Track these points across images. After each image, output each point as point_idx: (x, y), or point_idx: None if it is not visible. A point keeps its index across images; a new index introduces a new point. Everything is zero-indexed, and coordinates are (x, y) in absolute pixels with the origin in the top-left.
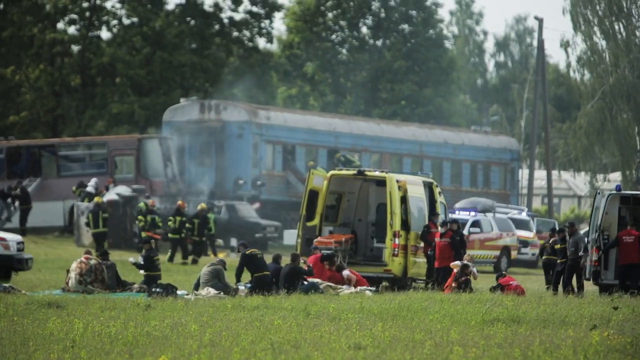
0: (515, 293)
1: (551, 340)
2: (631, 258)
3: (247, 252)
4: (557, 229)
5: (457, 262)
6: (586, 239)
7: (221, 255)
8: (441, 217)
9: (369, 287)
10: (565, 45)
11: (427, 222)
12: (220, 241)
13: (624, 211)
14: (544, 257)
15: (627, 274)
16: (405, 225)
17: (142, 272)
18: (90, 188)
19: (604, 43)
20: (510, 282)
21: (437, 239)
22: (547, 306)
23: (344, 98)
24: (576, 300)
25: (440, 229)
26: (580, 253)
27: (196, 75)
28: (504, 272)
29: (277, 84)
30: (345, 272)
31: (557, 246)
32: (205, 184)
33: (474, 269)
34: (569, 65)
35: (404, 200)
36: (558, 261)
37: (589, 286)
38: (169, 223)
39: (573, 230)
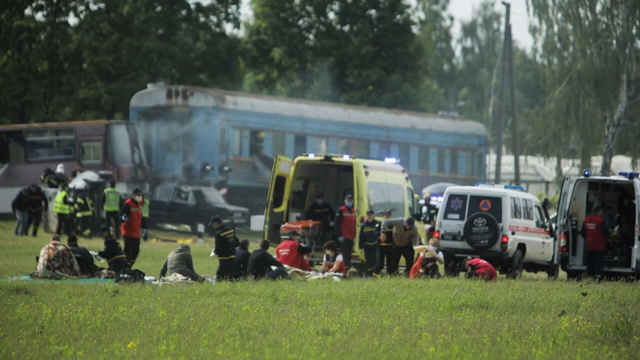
0: (486, 272)
1: (520, 326)
2: (595, 245)
3: (222, 235)
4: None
5: (421, 246)
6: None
7: (188, 241)
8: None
9: (337, 273)
10: (532, 31)
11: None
12: (187, 227)
13: (592, 196)
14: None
15: (592, 261)
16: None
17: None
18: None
19: (570, 28)
20: (479, 262)
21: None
22: (516, 292)
23: (311, 84)
24: (545, 286)
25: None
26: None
27: (163, 61)
28: (468, 257)
29: (244, 69)
30: (339, 257)
31: (366, 229)
32: (172, 169)
33: (440, 255)
34: (535, 50)
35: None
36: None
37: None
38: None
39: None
